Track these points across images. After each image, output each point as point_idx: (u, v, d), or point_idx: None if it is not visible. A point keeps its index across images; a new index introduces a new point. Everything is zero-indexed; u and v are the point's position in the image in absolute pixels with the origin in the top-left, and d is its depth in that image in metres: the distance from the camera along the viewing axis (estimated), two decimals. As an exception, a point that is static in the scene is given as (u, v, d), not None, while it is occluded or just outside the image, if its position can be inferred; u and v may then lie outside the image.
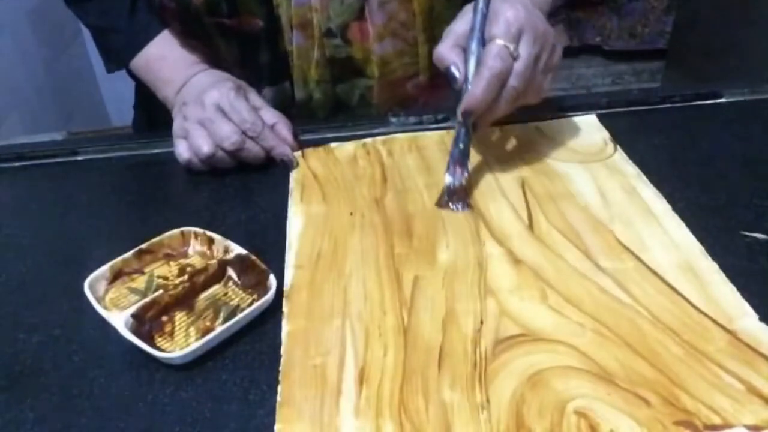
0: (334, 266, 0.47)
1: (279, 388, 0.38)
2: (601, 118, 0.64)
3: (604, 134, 0.62)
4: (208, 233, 0.49)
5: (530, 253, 0.47)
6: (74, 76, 1.84)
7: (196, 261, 0.49)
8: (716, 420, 0.34)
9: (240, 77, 0.66)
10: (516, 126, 0.64)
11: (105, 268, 0.46)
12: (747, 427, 0.34)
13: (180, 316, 0.44)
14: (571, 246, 0.48)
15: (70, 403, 0.39)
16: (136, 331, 0.41)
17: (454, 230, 0.50)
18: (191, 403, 0.38)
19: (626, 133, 0.61)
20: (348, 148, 0.63)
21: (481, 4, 0.52)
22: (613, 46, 2.52)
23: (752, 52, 1.64)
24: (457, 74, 0.52)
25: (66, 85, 1.77)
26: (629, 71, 2.53)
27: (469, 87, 0.51)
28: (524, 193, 0.54)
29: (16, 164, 0.66)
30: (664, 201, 0.52)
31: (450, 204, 0.53)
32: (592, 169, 0.57)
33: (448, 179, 0.54)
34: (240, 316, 0.42)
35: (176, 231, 0.49)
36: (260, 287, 0.45)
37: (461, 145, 0.54)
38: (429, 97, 0.73)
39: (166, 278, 0.47)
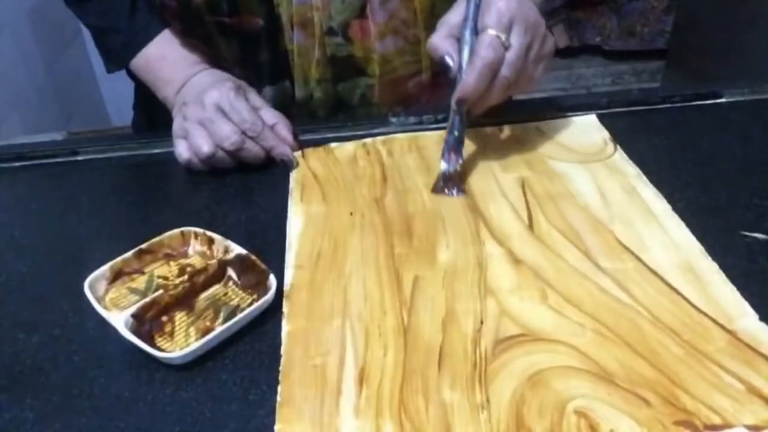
0: (334, 266, 0.47)
1: (279, 388, 0.38)
2: (601, 118, 0.64)
3: (604, 134, 0.62)
4: (208, 233, 0.49)
5: (530, 253, 0.47)
6: (74, 76, 1.84)
7: (196, 261, 0.49)
8: (716, 420, 0.34)
9: (240, 76, 0.66)
10: (516, 126, 0.64)
11: (105, 268, 0.46)
12: (747, 427, 0.34)
13: (180, 316, 0.44)
14: (571, 246, 0.48)
15: (70, 403, 0.39)
16: (136, 331, 0.41)
17: (454, 230, 0.50)
18: (191, 403, 0.38)
19: (626, 133, 0.61)
20: (348, 148, 0.63)
21: None
22: (613, 46, 2.52)
23: (752, 52, 1.64)
24: (450, 63, 0.53)
25: (66, 85, 1.77)
26: (629, 71, 2.53)
27: (463, 76, 0.52)
28: (524, 193, 0.54)
29: (16, 164, 0.66)
30: (664, 201, 0.52)
31: (445, 189, 0.55)
32: (592, 169, 0.57)
33: (443, 166, 0.56)
34: (240, 316, 0.42)
35: (176, 231, 0.49)
36: (260, 287, 0.45)
37: (456, 133, 0.56)
38: (430, 95, 0.73)
39: (166, 278, 0.47)
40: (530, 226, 0.50)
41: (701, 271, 0.44)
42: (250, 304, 0.43)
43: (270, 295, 0.43)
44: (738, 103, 0.67)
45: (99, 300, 0.44)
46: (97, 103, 1.99)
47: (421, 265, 0.47)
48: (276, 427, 0.36)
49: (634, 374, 0.37)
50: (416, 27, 0.67)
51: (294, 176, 0.59)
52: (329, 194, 0.56)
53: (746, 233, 0.48)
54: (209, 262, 0.47)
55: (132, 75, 0.72)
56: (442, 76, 0.56)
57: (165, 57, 0.67)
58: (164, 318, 0.43)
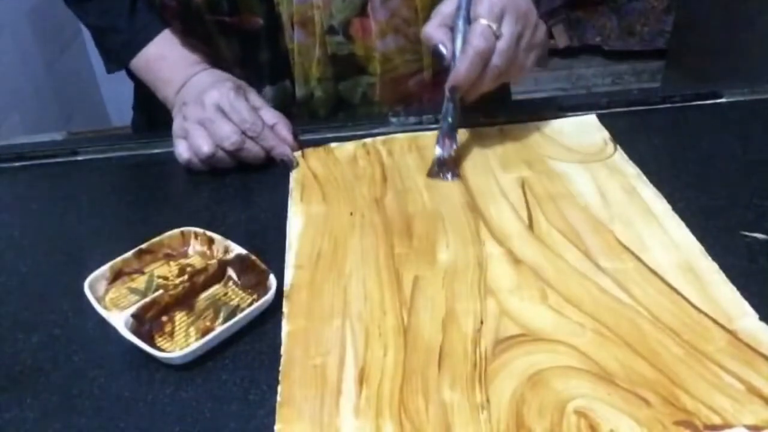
0: (334, 266, 0.47)
1: (279, 388, 0.38)
2: (601, 118, 0.64)
3: (604, 134, 0.62)
4: (208, 233, 0.49)
5: (530, 253, 0.47)
6: (74, 76, 1.84)
7: (196, 261, 0.49)
8: (716, 420, 0.34)
9: (240, 76, 0.66)
10: (516, 126, 0.64)
11: (105, 268, 0.46)
12: (747, 427, 0.34)
13: (180, 316, 0.44)
14: (571, 246, 0.48)
15: (70, 403, 0.39)
16: (136, 331, 0.41)
17: (454, 230, 0.50)
18: (191, 403, 0.38)
19: (626, 133, 0.61)
20: (348, 148, 0.63)
21: None
22: (613, 46, 2.52)
23: (752, 52, 1.64)
24: (444, 52, 0.55)
25: (66, 85, 1.77)
26: (629, 71, 2.53)
27: (455, 64, 0.54)
28: (524, 193, 0.54)
29: (16, 164, 0.66)
30: (664, 201, 0.52)
31: (440, 174, 0.57)
32: (592, 169, 0.57)
33: (438, 151, 0.58)
34: (240, 316, 0.42)
35: (176, 231, 0.49)
36: (260, 287, 0.45)
37: (450, 119, 0.57)
38: (432, 94, 0.73)
39: (166, 278, 0.47)
40: (530, 226, 0.50)
41: (701, 271, 0.44)
42: (250, 304, 0.43)
43: (270, 295, 0.43)
44: (738, 103, 0.67)
45: (99, 300, 0.44)
46: (97, 103, 1.99)
47: (421, 265, 0.47)
48: (276, 427, 0.36)
49: (634, 374, 0.37)
50: (417, 25, 0.67)
51: (294, 176, 0.59)
52: (329, 194, 0.56)
53: (746, 233, 0.48)
54: (209, 262, 0.47)
55: (132, 75, 0.72)
56: (443, 74, 0.57)
57: (165, 57, 0.67)
58: (164, 318, 0.43)
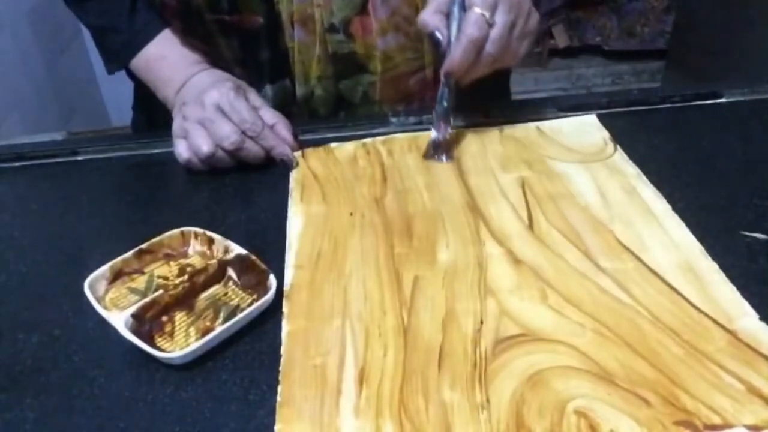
0: (334, 266, 0.47)
1: (279, 388, 0.38)
2: (601, 118, 0.64)
3: (604, 134, 0.62)
4: (208, 233, 0.49)
5: (530, 253, 0.47)
6: (74, 76, 1.84)
7: (196, 261, 0.49)
8: (716, 420, 0.34)
9: (240, 75, 0.66)
10: (516, 126, 0.64)
11: (105, 268, 0.46)
12: (747, 427, 0.34)
13: (180, 316, 0.44)
14: (571, 246, 0.48)
15: (70, 403, 0.39)
16: (136, 331, 0.41)
17: (454, 230, 0.50)
18: (191, 403, 0.38)
19: (626, 133, 0.61)
20: (348, 148, 0.63)
21: None
22: (613, 46, 2.52)
23: (752, 52, 1.64)
24: (440, 38, 0.57)
25: (66, 85, 1.77)
26: (629, 71, 2.53)
27: (450, 50, 0.56)
28: (524, 193, 0.54)
29: (16, 164, 0.66)
30: (664, 201, 0.52)
31: (435, 156, 0.60)
32: (592, 169, 0.57)
33: (433, 134, 0.60)
34: (240, 316, 0.42)
35: (176, 231, 0.49)
36: (260, 287, 0.45)
37: (445, 103, 0.60)
38: (433, 92, 0.73)
39: (166, 278, 0.47)
40: (530, 226, 0.50)
41: (701, 271, 0.44)
42: (250, 304, 0.43)
43: (270, 295, 0.43)
44: (738, 103, 0.67)
45: (99, 300, 0.44)
46: (97, 103, 1.99)
47: (421, 265, 0.47)
48: (276, 427, 0.36)
49: (634, 374, 0.37)
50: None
51: (294, 176, 0.59)
52: (329, 194, 0.56)
53: (746, 233, 0.48)
54: (209, 262, 0.47)
55: (132, 75, 0.72)
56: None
57: (165, 57, 0.67)
58: (164, 318, 0.43)
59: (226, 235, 0.49)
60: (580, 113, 0.66)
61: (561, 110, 0.66)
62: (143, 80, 0.69)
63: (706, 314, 0.41)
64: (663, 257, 0.46)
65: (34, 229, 0.56)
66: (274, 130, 0.61)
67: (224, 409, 0.38)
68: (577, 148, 0.60)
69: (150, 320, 0.43)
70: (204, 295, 0.45)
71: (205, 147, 0.58)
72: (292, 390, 0.38)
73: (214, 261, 0.47)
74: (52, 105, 1.68)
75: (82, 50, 1.89)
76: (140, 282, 0.47)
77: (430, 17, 0.57)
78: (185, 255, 0.49)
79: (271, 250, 0.49)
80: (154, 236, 0.49)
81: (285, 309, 0.44)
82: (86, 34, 1.60)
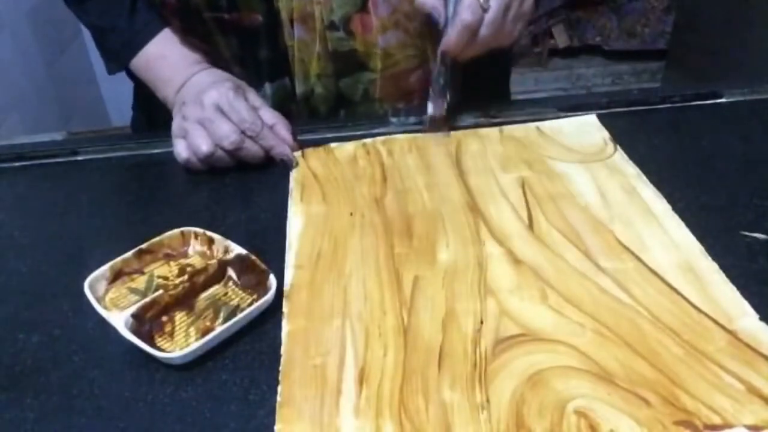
0: (334, 266, 0.47)
1: (279, 388, 0.38)
2: (601, 118, 0.64)
3: (604, 134, 0.62)
4: (208, 233, 0.49)
5: (530, 253, 0.47)
6: (74, 76, 1.84)
7: (196, 261, 0.49)
8: (716, 420, 0.34)
9: (240, 74, 0.66)
10: (516, 126, 0.64)
11: (105, 268, 0.46)
12: (747, 427, 0.34)
13: (180, 316, 0.44)
14: (571, 246, 0.48)
15: (70, 403, 0.39)
16: (136, 331, 0.41)
17: (454, 230, 0.50)
18: (191, 403, 0.38)
19: (626, 133, 0.61)
20: (348, 148, 0.63)
21: None
22: (613, 46, 2.52)
23: (752, 52, 1.64)
24: (438, 18, 0.59)
25: (66, 85, 1.77)
26: (629, 71, 2.53)
27: (447, 31, 0.58)
28: (524, 193, 0.54)
29: (16, 164, 0.66)
30: (664, 201, 0.52)
31: (435, 131, 0.63)
32: (592, 169, 0.57)
33: (430, 110, 0.64)
34: (240, 316, 0.42)
35: (176, 231, 0.49)
36: (260, 287, 0.45)
37: (441, 81, 0.62)
38: None
39: (166, 278, 0.47)
40: (530, 226, 0.50)
41: (701, 271, 0.44)
42: (250, 304, 0.43)
43: (270, 295, 0.43)
44: (738, 103, 0.67)
45: (99, 300, 0.44)
46: (97, 103, 1.99)
47: (421, 265, 0.47)
48: (276, 427, 0.36)
49: (634, 374, 0.37)
50: (418, 20, 0.67)
51: (294, 176, 0.59)
52: (329, 194, 0.56)
53: (746, 233, 0.48)
54: (209, 262, 0.47)
55: (132, 75, 0.72)
56: None
57: (165, 56, 0.67)
58: (164, 318, 0.43)
59: (226, 235, 0.49)
60: (580, 113, 0.66)
61: (561, 110, 0.66)
62: (143, 80, 0.69)
63: (706, 314, 0.41)
64: (663, 257, 0.46)
65: (34, 229, 0.56)
66: (274, 130, 0.61)
67: (224, 409, 0.38)
68: (577, 148, 0.60)
69: (150, 320, 0.43)
70: (204, 295, 0.45)
71: (205, 147, 0.58)
72: (292, 390, 0.38)
73: (214, 261, 0.47)
74: (52, 105, 1.68)
75: (82, 50, 1.89)
76: (140, 282, 0.47)
77: None
78: (185, 255, 0.49)
79: (271, 250, 0.49)
80: (154, 236, 0.49)
81: (285, 309, 0.44)
82: (86, 34, 1.61)
